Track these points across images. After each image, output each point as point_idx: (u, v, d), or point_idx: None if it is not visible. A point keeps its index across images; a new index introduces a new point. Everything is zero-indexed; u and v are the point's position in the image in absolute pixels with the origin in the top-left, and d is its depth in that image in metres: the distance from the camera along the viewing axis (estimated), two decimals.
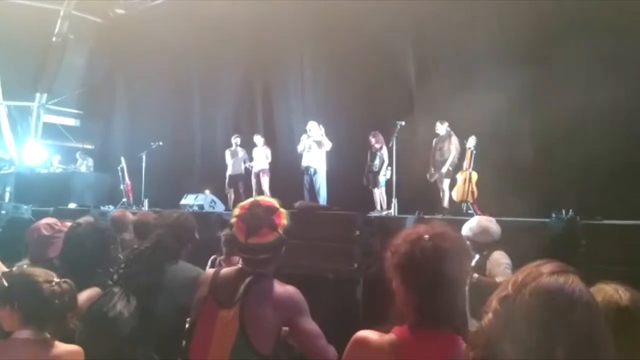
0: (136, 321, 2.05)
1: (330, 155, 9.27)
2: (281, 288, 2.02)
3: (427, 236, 1.48)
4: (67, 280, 2.06)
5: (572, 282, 1.05)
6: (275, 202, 2.12)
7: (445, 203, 7.98)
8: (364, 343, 1.49)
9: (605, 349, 1.01)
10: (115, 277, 2.25)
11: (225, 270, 2.14)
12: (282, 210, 2.09)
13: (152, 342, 2.12)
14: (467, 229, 4.26)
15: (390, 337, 1.46)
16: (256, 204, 2.08)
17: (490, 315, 1.08)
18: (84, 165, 13.05)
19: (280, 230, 2.04)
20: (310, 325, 2.03)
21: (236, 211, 2.10)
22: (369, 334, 1.49)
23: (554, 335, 1.00)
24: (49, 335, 2.00)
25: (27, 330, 1.97)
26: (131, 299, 2.08)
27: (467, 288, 4.11)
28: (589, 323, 1.02)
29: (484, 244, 4.20)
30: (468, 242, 4.22)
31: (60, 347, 1.99)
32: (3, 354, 1.93)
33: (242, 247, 2.06)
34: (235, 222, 2.06)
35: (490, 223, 4.30)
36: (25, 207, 9.61)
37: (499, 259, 4.08)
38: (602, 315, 1.06)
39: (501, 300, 1.08)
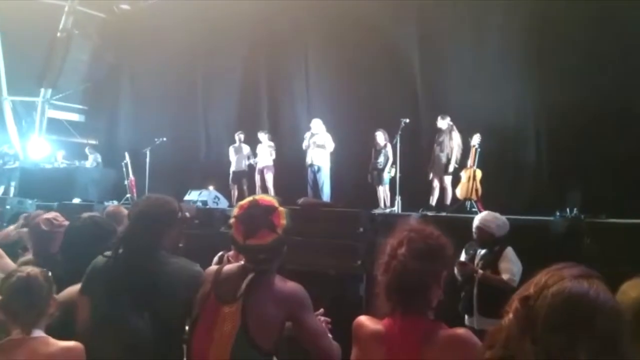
0: (151, 329, 2.01)
1: (334, 152, 9.25)
2: (284, 284, 2.01)
3: (404, 232, 1.67)
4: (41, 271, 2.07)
5: (597, 287, 1.04)
6: (274, 201, 2.08)
7: (448, 200, 7.95)
8: (360, 327, 1.74)
9: (629, 355, 1.01)
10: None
11: (228, 267, 2.13)
12: (281, 209, 2.04)
13: (167, 345, 2.09)
14: (486, 222, 4.30)
15: (379, 324, 1.68)
16: (255, 204, 2.04)
17: (510, 315, 1.08)
18: (90, 160, 13.04)
19: (280, 231, 2.00)
20: (314, 322, 2.02)
21: (235, 211, 2.07)
22: (365, 320, 1.74)
23: (577, 339, 0.99)
24: (43, 334, 2.00)
25: (19, 331, 1.97)
26: (139, 304, 2.04)
27: (475, 285, 4.15)
28: (614, 329, 1.01)
29: (499, 238, 4.25)
30: (478, 235, 4.25)
31: (56, 344, 1.98)
32: (3, 355, 1.93)
33: (240, 248, 2.04)
34: (233, 223, 2.03)
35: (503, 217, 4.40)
36: (29, 201, 9.65)
37: (514, 257, 4.14)
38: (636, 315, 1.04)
39: (522, 301, 1.07)
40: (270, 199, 2.10)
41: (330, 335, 2.10)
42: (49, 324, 2.09)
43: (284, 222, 2.02)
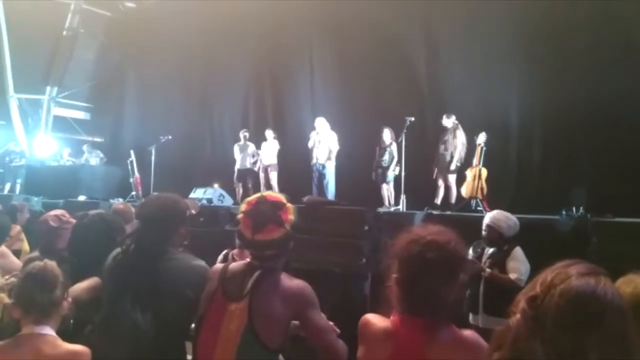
0: (154, 326, 2.01)
1: (339, 151, 9.25)
2: (290, 282, 2.00)
3: (422, 240, 1.59)
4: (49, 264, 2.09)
5: (604, 284, 1.03)
6: (282, 197, 2.10)
7: (453, 199, 7.93)
8: (367, 325, 1.70)
9: (637, 352, 1.00)
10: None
11: (234, 264, 2.13)
12: (289, 205, 2.06)
13: (170, 342, 2.10)
14: (497, 221, 4.29)
15: (386, 322, 1.65)
16: (263, 200, 2.06)
17: (518, 315, 1.05)
18: (93, 158, 13.07)
19: (287, 226, 2.01)
20: (320, 319, 2.01)
21: (243, 207, 2.07)
22: (372, 318, 1.70)
23: (587, 339, 0.98)
24: (53, 333, 2.00)
25: (31, 325, 1.98)
26: (141, 301, 2.04)
27: (482, 283, 4.15)
28: (623, 326, 1.00)
29: (508, 238, 4.24)
30: (487, 233, 4.24)
31: (63, 347, 1.97)
32: (10, 351, 1.94)
33: (248, 243, 2.04)
34: (241, 218, 2.04)
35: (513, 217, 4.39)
36: (35, 199, 9.71)
37: (522, 257, 4.13)
38: (632, 310, 1.04)
39: (529, 301, 1.05)
40: (278, 195, 2.13)
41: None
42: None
43: (292, 217, 2.04)
